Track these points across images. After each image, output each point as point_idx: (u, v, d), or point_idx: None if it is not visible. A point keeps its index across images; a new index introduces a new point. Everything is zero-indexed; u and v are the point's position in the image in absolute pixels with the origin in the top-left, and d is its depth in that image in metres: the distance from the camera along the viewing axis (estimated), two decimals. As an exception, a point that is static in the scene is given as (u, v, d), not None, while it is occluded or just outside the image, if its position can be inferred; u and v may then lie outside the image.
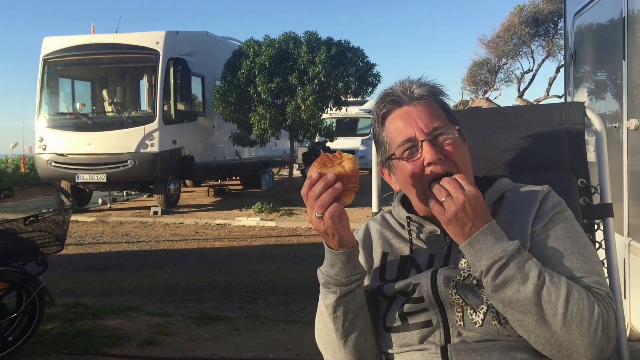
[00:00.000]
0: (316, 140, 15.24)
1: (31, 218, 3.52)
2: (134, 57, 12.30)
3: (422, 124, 1.32)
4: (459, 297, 1.28)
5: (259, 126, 12.02)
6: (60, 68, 12.56)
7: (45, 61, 12.21)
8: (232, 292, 5.95)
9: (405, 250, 1.42)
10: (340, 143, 16.80)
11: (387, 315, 1.38)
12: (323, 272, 1.34)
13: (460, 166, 1.32)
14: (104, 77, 13.20)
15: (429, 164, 1.30)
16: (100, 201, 13.41)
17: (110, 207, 13.06)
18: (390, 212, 1.54)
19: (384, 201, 1.94)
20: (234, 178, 17.09)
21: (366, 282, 1.43)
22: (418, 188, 1.34)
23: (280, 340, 4.08)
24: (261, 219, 11.00)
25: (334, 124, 17.23)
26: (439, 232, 1.39)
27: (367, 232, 1.53)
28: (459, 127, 1.36)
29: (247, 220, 10.96)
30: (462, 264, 1.32)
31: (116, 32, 12.56)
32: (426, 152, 1.30)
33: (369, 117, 21.82)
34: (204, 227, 10.59)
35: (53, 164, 11.81)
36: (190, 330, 4.30)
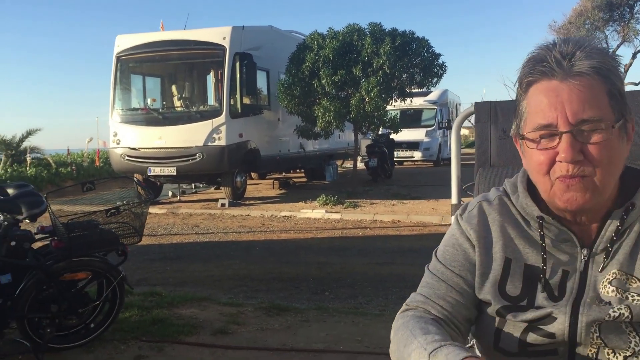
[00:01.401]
0: (380, 132, 15.17)
1: (112, 210, 3.67)
2: (202, 53, 12.57)
3: (570, 111, 1.03)
4: (600, 340, 1.08)
5: (323, 119, 12.08)
6: (132, 65, 12.99)
7: (118, 58, 12.66)
8: (300, 284, 6.02)
9: (532, 258, 1.15)
10: (404, 135, 16.67)
11: (501, 334, 1.16)
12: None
13: (602, 172, 1.05)
14: (173, 73, 13.57)
15: (562, 161, 1.05)
16: (170, 194, 13.83)
17: (179, 199, 13.44)
18: (508, 197, 1.22)
19: (464, 192, 1.90)
20: (298, 170, 17.25)
21: (478, 288, 1.19)
22: (544, 183, 1.10)
23: (350, 332, 4.10)
24: (326, 212, 11.06)
25: (398, 116, 17.06)
26: (575, 243, 1.13)
27: (484, 220, 1.21)
28: (622, 121, 1.06)
29: (312, 213, 11.04)
30: (607, 292, 1.09)
31: (184, 28, 12.87)
32: (563, 149, 1.04)
33: (433, 108, 21.52)
34: (270, 219, 10.75)
35: (126, 157, 12.26)
36: (261, 321, 4.39)
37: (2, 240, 3.40)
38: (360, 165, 16.09)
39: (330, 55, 11.98)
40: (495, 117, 1.79)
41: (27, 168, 16.71)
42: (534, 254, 1.15)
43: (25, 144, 17.70)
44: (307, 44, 12.70)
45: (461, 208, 1.28)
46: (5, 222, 3.42)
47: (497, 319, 1.16)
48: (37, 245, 3.77)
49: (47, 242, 3.71)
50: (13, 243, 3.43)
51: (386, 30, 12.40)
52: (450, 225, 1.33)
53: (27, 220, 3.53)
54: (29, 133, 17.75)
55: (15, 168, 16.55)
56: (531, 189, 1.18)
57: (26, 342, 3.65)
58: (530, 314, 1.11)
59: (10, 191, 3.72)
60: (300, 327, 4.24)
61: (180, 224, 10.30)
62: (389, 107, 13.47)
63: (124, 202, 12.30)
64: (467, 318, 1.20)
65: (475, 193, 1.63)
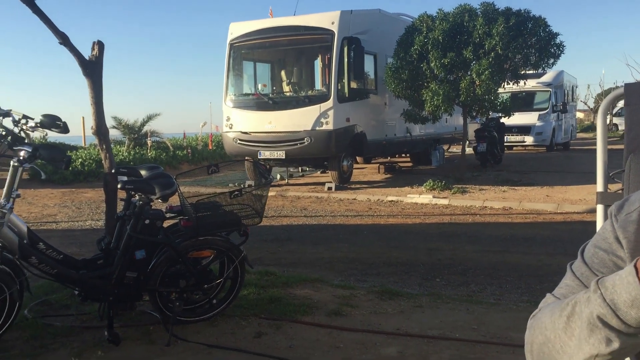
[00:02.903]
0: (490, 116, 14.67)
1: (235, 192, 3.83)
2: (310, 38, 12.72)
3: None
4: None
5: (432, 103, 11.85)
6: (244, 52, 13.41)
7: (231, 45, 13.11)
8: (410, 269, 6.00)
9: None
10: (515, 119, 16.02)
11: None
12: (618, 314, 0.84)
13: None
14: (282, 59, 13.86)
15: None
16: (278, 177, 14.21)
17: (287, 182, 13.78)
18: None
19: (611, 179, 1.80)
20: (403, 155, 17.11)
21: None
22: None
23: (464, 320, 4.04)
24: (433, 197, 10.91)
25: (509, 99, 16.40)
26: None
27: None
28: None
29: (419, 198, 10.93)
30: None
31: (294, 14, 13.07)
32: None
33: (547, 91, 20.47)
34: (376, 204, 10.76)
35: (238, 141, 12.72)
36: (374, 304, 4.43)
37: (137, 218, 3.66)
38: (469, 150, 15.66)
39: (440, 37, 11.69)
40: (647, 99, 1.67)
41: (148, 151, 17.80)
42: None
43: (146, 128, 18.84)
44: (415, 27, 12.49)
45: (617, 205, 1.05)
46: (140, 202, 3.67)
47: None
48: (165, 224, 4.02)
49: (176, 221, 3.94)
50: (147, 221, 3.68)
51: (499, 9, 11.91)
52: (589, 215, 1.16)
53: (159, 200, 3.77)
54: (149, 118, 18.85)
55: (138, 151, 17.67)
56: None
57: (156, 314, 3.92)
58: None
59: (143, 172, 3.99)
60: (414, 313, 4.23)
61: (289, 206, 10.57)
62: (499, 90, 12.98)
63: (245, 185, 12.84)
64: None
65: (625, 181, 1.54)
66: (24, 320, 3.86)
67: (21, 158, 3.25)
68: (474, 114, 13.33)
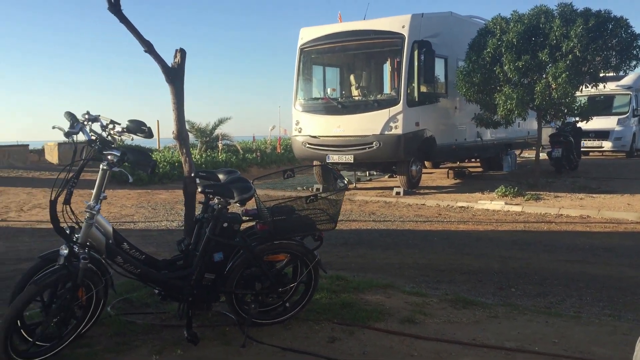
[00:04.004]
0: (565, 120, 14.15)
1: (311, 197, 3.87)
2: (380, 42, 12.67)
3: None
4: None
5: (505, 107, 11.55)
6: (313, 56, 13.51)
7: (301, 50, 13.25)
8: (483, 277, 5.86)
9: None
10: (593, 123, 15.38)
11: None
12: None
13: None
14: (351, 63, 13.88)
15: None
16: (345, 180, 14.22)
17: (355, 186, 13.77)
18: None
19: None
20: (473, 160, 16.76)
21: None
22: None
23: (543, 333, 3.91)
24: (505, 203, 10.62)
25: (586, 103, 15.76)
26: None
27: None
28: None
29: (491, 204, 10.67)
30: None
31: (364, 18, 13.06)
32: None
33: (627, 94, 19.56)
34: (446, 210, 10.59)
35: (307, 145, 12.83)
36: (447, 313, 4.35)
37: (216, 221, 3.75)
38: (542, 155, 15.16)
39: (514, 39, 11.38)
40: None
41: (219, 154, 18.24)
42: None
43: (217, 131, 19.33)
44: (488, 29, 12.22)
45: None
46: (219, 205, 3.76)
47: None
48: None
49: (251, 225, 4.02)
50: (225, 224, 3.77)
51: (578, 10, 11.47)
52: None
53: (236, 204, 3.84)
54: (220, 121, 19.35)
55: (209, 154, 18.14)
56: None
57: (232, 315, 4.01)
58: None
59: (221, 177, 4.09)
60: (490, 323, 4.13)
61: (357, 210, 10.56)
62: (577, 94, 12.50)
63: (313, 189, 12.94)
64: None
65: None
66: (107, 317, 4.03)
67: (110, 162, 3.39)
68: (549, 118, 12.91)
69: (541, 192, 11.54)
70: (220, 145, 18.77)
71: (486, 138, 14.47)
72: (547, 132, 15.21)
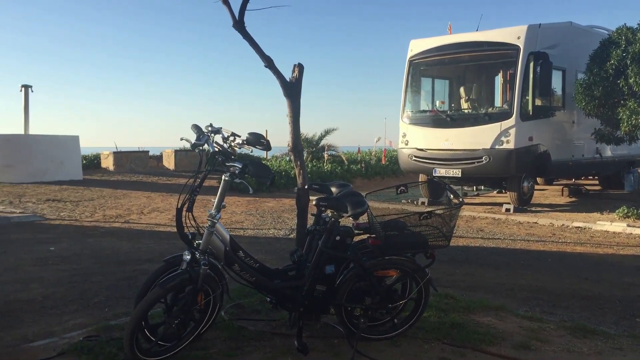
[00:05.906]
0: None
1: (425, 214, 3.81)
2: (493, 54, 12.32)
3: None
4: None
5: (629, 122, 10.80)
6: (423, 68, 13.39)
7: (410, 62, 13.17)
8: (603, 305, 5.50)
9: None
10: None
11: None
12: None
13: None
14: (461, 75, 13.60)
15: None
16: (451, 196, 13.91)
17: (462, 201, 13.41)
18: None
19: None
20: (590, 177, 15.83)
21: None
22: None
23: (677, 371, 3.59)
24: (628, 225, 9.92)
25: None
26: None
27: None
28: None
29: (611, 226, 10.01)
30: None
31: (477, 30, 12.76)
32: None
33: None
34: (560, 229, 10.06)
35: (413, 158, 12.71)
36: (566, 341, 4.11)
37: (329, 234, 3.79)
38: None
39: (641, 50, 10.65)
40: None
41: (325, 164, 18.49)
42: None
43: (323, 142, 19.61)
44: (612, 40, 11.51)
45: None
46: (332, 219, 3.80)
47: None
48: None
49: (363, 239, 4.01)
50: (337, 237, 3.80)
51: None
52: None
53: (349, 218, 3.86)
54: (327, 132, 19.62)
55: (315, 164, 18.44)
56: None
57: (341, 328, 4.02)
58: None
59: (333, 190, 4.12)
60: (613, 355, 3.86)
61: (464, 226, 10.29)
62: None
63: (417, 202, 12.80)
64: None
65: None
66: (222, 321, 4.18)
67: (232, 173, 3.53)
68: (679, 134, 11.93)
69: (669, 215, 10.67)
70: (326, 155, 19.02)
71: (606, 154, 13.62)
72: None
